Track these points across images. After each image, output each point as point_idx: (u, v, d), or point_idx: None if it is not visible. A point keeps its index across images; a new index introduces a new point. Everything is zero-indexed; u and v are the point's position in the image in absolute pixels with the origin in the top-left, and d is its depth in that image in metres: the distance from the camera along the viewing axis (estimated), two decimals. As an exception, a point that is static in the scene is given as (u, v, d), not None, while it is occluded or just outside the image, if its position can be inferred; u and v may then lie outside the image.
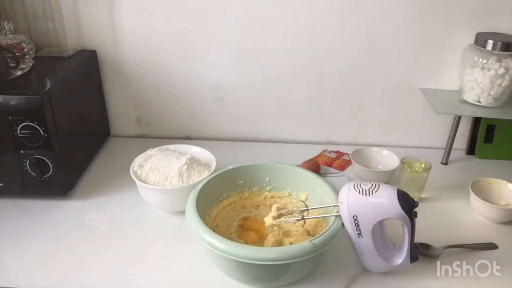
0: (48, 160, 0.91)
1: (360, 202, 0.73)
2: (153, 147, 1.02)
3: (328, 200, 0.83)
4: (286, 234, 0.85)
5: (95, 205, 0.97)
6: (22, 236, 0.88)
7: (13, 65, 0.95)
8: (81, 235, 0.89)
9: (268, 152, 1.23)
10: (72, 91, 1.04)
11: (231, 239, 0.78)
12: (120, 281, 0.78)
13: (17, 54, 0.97)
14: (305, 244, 0.71)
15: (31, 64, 1.01)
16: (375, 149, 1.13)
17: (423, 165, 1.01)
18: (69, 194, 1.00)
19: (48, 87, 0.91)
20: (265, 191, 0.96)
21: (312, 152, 1.22)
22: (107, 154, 1.20)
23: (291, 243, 0.82)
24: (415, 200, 0.74)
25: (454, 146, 1.17)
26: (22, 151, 0.90)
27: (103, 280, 0.78)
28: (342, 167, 1.14)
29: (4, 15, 1.07)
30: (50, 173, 0.93)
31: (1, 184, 0.95)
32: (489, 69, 1.02)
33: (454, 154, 1.19)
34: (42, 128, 0.88)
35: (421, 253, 0.83)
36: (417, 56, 1.15)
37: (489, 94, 1.05)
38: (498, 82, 1.03)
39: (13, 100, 0.87)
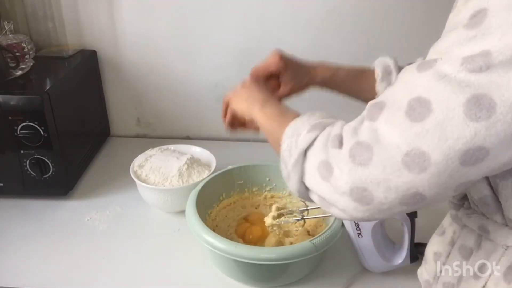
0: (48, 160, 0.91)
1: (360, 202, 0.73)
2: (153, 147, 1.02)
3: (328, 200, 0.83)
4: (286, 234, 0.85)
5: (95, 205, 0.97)
6: (22, 236, 0.88)
7: (13, 65, 0.95)
8: (81, 235, 0.89)
9: (268, 152, 1.22)
10: (72, 91, 1.04)
11: (231, 239, 0.78)
12: (120, 281, 0.78)
13: (17, 54, 0.96)
14: (305, 244, 0.71)
15: (31, 64, 1.01)
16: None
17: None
18: (69, 194, 1.00)
19: (48, 87, 0.91)
20: (265, 191, 0.96)
21: (312, 152, 1.21)
22: (107, 154, 1.20)
23: (291, 243, 0.82)
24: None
25: (454, 146, 1.17)
26: (22, 151, 0.90)
27: (103, 280, 0.78)
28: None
29: (4, 15, 1.07)
30: (50, 173, 0.93)
31: (1, 184, 0.95)
32: (489, 69, 1.02)
33: (454, 154, 1.18)
34: (42, 128, 0.88)
35: (421, 253, 0.82)
36: (417, 56, 1.15)
37: (489, 94, 1.05)
38: (498, 82, 1.03)
39: (13, 100, 0.87)
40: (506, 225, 0.48)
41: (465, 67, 0.36)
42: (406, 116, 0.38)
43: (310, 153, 0.46)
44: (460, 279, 0.52)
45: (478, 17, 0.37)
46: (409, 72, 0.41)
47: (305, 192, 0.48)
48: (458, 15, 0.40)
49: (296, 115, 0.53)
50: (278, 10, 1.11)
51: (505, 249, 0.48)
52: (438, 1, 1.06)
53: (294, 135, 0.49)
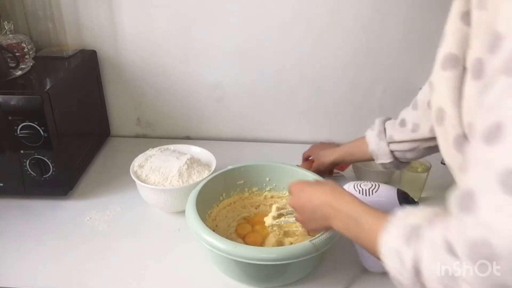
0: (48, 160, 0.91)
1: (360, 202, 0.73)
2: (153, 147, 1.02)
3: (328, 200, 0.83)
4: (286, 234, 0.85)
5: (95, 205, 0.97)
6: (22, 236, 0.88)
7: (13, 65, 0.95)
8: (81, 235, 0.89)
9: (268, 152, 1.23)
10: (72, 91, 1.04)
11: (231, 239, 0.78)
12: (120, 281, 0.78)
13: (17, 54, 0.96)
14: (305, 244, 0.71)
15: (31, 64, 1.01)
16: (375, 149, 1.13)
17: (423, 165, 1.01)
18: (69, 194, 1.00)
19: (48, 87, 0.91)
20: (265, 191, 0.96)
21: (312, 152, 1.22)
22: (107, 154, 1.20)
23: (291, 243, 0.82)
24: (415, 200, 0.75)
25: (454, 146, 1.17)
26: (22, 151, 0.90)
27: (103, 280, 0.78)
28: (342, 167, 1.14)
29: (4, 15, 1.07)
30: (50, 173, 0.93)
31: (1, 184, 0.95)
32: (489, 69, 1.02)
33: (454, 154, 1.18)
34: (42, 128, 0.88)
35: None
36: (418, 56, 1.15)
37: (489, 94, 1.05)
38: (498, 82, 1.03)
39: (13, 100, 0.87)
40: None
41: None
42: (505, 194, 0.34)
43: (423, 269, 0.41)
44: None
45: None
46: (478, 150, 0.38)
47: None
48: (492, 63, 0.38)
49: (375, 223, 0.49)
50: (278, 11, 1.11)
51: None
52: (438, 1, 1.06)
53: (394, 254, 0.44)
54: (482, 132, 0.37)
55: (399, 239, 0.44)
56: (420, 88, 0.81)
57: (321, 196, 0.61)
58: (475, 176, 0.38)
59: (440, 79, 0.50)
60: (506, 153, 0.35)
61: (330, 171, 1.04)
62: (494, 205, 0.35)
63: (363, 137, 0.90)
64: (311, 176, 0.90)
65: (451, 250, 0.38)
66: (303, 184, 0.68)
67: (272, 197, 0.96)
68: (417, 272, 0.42)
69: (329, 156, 0.97)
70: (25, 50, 1.00)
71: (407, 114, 0.82)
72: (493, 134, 0.36)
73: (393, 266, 0.45)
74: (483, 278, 0.36)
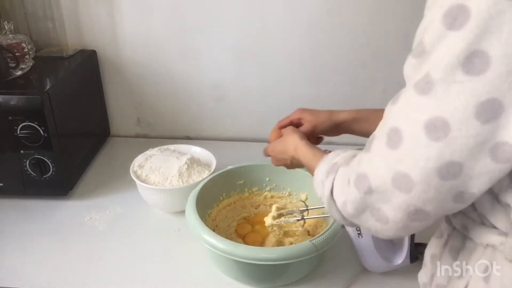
0: (48, 160, 0.91)
1: (360, 202, 0.73)
2: (153, 147, 1.02)
3: (328, 200, 0.83)
4: (286, 234, 0.85)
5: (95, 205, 0.97)
6: (22, 236, 0.88)
7: (13, 65, 0.95)
8: (81, 235, 0.89)
9: (268, 152, 1.23)
10: (72, 91, 1.04)
11: (231, 239, 0.78)
12: (120, 281, 0.78)
13: (17, 54, 0.96)
14: (305, 244, 0.71)
15: (31, 64, 1.01)
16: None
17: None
18: (69, 194, 1.00)
19: (48, 87, 0.91)
20: (265, 191, 0.96)
21: (312, 152, 1.21)
22: (107, 154, 1.20)
23: (291, 243, 0.83)
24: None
25: (454, 146, 1.17)
26: (22, 151, 0.90)
27: (103, 280, 0.79)
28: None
29: (4, 15, 1.07)
30: (50, 173, 0.93)
31: (1, 184, 0.95)
32: (489, 69, 1.02)
33: (454, 154, 1.18)
34: (42, 128, 0.88)
35: (421, 253, 0.82)
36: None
37: (489, 94, 1.05)
38: (498, 82, 1.03)
39: (13, 100, 0.87)
40: (483, 223, 0.49)
41: (416, 91, 0.41)
42: (386, 145, 0.44)
43: (335, 196, 0.51)
44: (449, 279, 0.53)
45: (419, 46, 0.43)
46: (387, 106, 0.46)
47: (353, 224, 0.52)
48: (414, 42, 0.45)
49: (316, 163, 0.58)
50: (278, 10, 1.11)
51: (484, 248, 0.49)
52: (438, 1, 1.06)
53: (320, 184, 0.55)
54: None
55: (324, 173, 0.54)
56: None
57: (288, 151, 0.73)
58: (380, 126, 0.46)
59: None
60: (395, 114, 0.44)
61: (320, 137, 0.85)
62: (379, 151, 0.45)
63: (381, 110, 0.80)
64: (310, 175, 0.90)
65: (348, 181, 0.48)
66: (273, 145, 0.78)
67: (272, 197, 0.96)
68: (332, 198, 0.52)
69: (337, 115, 0.79)
70: (25, 50, 1.00)
71: None
72: (396, 97, 0.45)
73: (319, 192, 0.55)
74: (360, 201, 0.46)
